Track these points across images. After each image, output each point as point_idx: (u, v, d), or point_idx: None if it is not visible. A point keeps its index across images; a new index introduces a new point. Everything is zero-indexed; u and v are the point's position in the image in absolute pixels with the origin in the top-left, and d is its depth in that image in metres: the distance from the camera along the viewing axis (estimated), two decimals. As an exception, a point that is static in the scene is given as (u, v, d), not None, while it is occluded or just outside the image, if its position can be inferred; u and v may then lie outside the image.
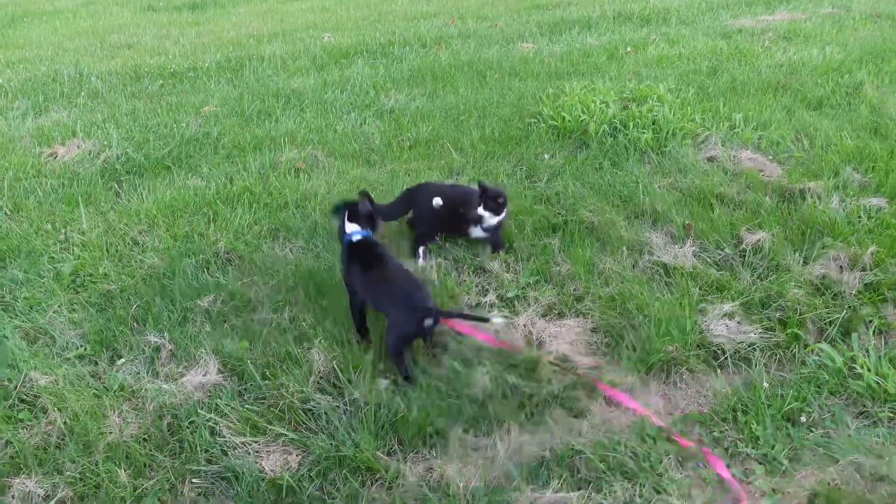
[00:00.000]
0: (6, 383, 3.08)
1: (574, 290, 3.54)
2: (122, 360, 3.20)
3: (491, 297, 3.51)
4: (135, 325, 3.44)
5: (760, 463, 2.57)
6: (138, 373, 3.11)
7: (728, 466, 2.56)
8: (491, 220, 3.74)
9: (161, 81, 7.83)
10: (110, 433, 2.79)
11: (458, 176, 4.81)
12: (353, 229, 3.37)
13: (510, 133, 5.49)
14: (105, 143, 5.66)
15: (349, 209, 3.42)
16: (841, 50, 7.41)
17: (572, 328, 3.27)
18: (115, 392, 3.00)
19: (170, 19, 12.46)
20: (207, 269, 3.85)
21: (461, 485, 2.50)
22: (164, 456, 2.70)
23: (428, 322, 2.96)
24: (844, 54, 7.21)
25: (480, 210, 3.70)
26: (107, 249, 4.08)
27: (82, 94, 7.41)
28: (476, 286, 3.63)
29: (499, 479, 2.53)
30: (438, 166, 4.98)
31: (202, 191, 4.74)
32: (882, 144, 4.93)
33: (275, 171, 4.97)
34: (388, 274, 3.16)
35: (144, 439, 2.78)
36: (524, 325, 3.28)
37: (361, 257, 3.28)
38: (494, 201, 3.69)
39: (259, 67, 8.18)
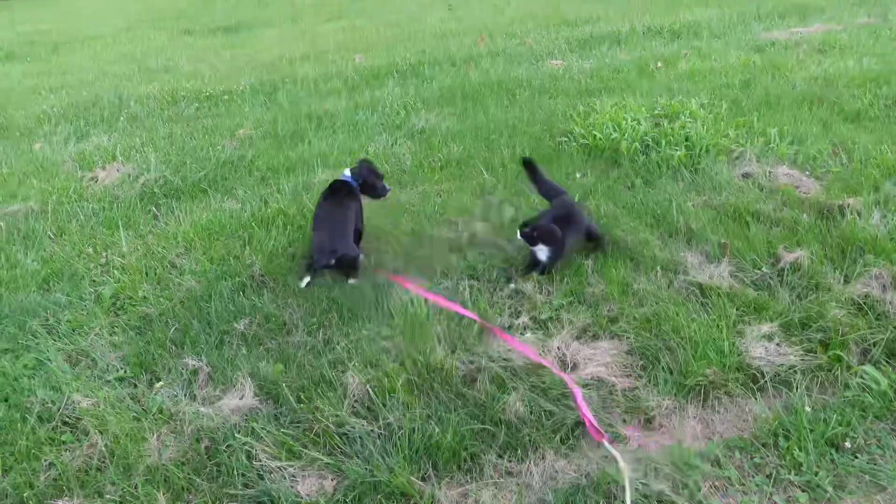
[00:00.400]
0: (50, 405, 3.16)
1: (608, 311, 3.50)
2: (161, 382, 3.26)
3: (524, 319, 3.49)
4: (173, 347, 3.50)
5: (804, 490, 2.50)
6: (176, 396, 3.16)
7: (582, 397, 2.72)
8: (540, 253, 3.75)
9: (197, 105, 8.03)
10: (149, 456, 2.83)
11: (490, 196, 4.82)
12: (345, 174, 4.18)
13: (541, 152, 5.48)
14: (143, 166, 5.81)
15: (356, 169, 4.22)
16: (879, 61, 7.27)
17: (607, 350, 3.22)
18: (154, 415, 3.05)
19: (205, 43, 12.77)
20: (243, 291, 3.90)
21: (496, 511, 2.48)
22: (202, 479, 2.73)
23: (329, 261, 3.75)
24: (883, 65, 7.06)
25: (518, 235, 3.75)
26: (146, 272, 4.17)
27: (121, 118, 7.63)
28: (508, 308, 3.61)
29: (534, 505, 2.51)
30: (470, 187, 4.99)
31: (237, 213, 4.83)
32: (925, 158, 4.80)
33: (308, 193, 5.03)
34: (333, 212, 3.96)
35: (183, 463, 2.81)
36: (558, 348, 3.25)
37: (330, 190, 4.09)
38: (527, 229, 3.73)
39: (292, 90, 8.33)
